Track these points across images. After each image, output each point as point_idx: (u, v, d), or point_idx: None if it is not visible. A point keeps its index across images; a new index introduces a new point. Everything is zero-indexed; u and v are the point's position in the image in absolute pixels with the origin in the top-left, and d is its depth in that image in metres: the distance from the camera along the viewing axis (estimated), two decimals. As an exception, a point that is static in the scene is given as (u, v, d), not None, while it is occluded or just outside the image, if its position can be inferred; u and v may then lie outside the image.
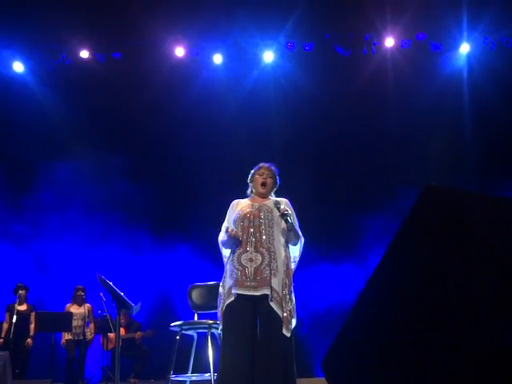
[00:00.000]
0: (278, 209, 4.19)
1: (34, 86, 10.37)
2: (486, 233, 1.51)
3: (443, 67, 10.08)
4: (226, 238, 4.23)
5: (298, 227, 4.36)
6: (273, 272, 4.06)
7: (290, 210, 4.36)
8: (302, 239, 4.38)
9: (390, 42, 9.93)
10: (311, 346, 8.87)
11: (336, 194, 9.92)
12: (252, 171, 4.58)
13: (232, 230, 4.15)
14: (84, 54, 10.16)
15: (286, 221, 4.15)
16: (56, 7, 9.27)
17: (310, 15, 9.59)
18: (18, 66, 10.26)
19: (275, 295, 4.00)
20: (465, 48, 9.95)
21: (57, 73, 10.34)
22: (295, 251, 4.38)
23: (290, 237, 4.30)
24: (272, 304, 3.98)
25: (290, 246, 4.35)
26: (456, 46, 9.98)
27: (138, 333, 9.09)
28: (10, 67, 10.23)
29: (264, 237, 4.14)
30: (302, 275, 4.44)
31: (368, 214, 9.39)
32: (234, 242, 4.18)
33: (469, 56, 10.05)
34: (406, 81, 9.99)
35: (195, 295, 5.87)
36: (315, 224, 8.72)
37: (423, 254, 1.58)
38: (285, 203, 4.40)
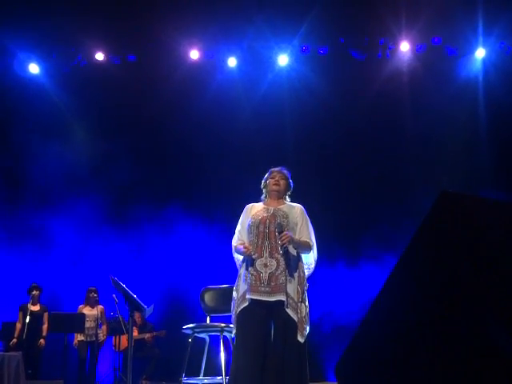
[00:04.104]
0: (280, 233, 4.12)
1: (50, 87, 10.43)
2: (501, 238, 1.50)
3: (459, 72, 10.01)
4: (240, 247, 4.22)
5: (311, 236, 4.34)
6: (288, 278, 4.05)
7: (302, 219, 4.34)
8: (315, 248, 4.36)
9: (405, 46, 9.88)
10: (324, 349, 8.85)
11: (350, 196, 9.89)
12: (264, 177, 4.59)
13: (246, 249, 4.14)
14: (99, 56, 10.20)
15: (285, 250, 4.09)
16: (72, 10, 9.34)
17: (324, 19, 9.57)
18: (34, 68, 10.32)
19: (291, 301, 4.00)
20: (480, 53, 9.88)
21: (72, 75, 10.39)
22: (308, 258, 4.36)
23: (297, 250, 4.27)
24: (288, 310, 3.98)
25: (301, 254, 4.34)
26: (472, 51, 9.91)
27: (148, 334, 9.09)
28: (26, 69, 10.30)
29: (279, 242, 4.12)
30: (316, 279, 4.42)
31: (383, 216, 9.36)
32: (247, 258, 4.17)
33: (484, 60, 9.98)
34: (421, 85, 9.94)
35: (208, 298, 5.87)
36: (329, 227, 8.70)
37: (438, 260, 1.58)
38: (300, 211, 4.39)
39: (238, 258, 4.38)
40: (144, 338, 9.11)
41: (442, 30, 9.80)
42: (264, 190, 4.57)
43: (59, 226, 10.00)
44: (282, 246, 4.07)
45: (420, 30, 9.72)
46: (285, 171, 4.57)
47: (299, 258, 4.25)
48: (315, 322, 8.52)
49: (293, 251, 4.19)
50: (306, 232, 4.32)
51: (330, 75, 10.13)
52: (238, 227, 4.44)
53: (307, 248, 4.29)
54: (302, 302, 4.07)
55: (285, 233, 4.08)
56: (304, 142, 10.04)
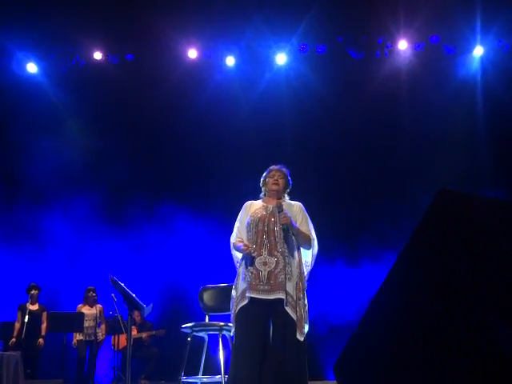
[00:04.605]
0: (279, 212, 4.14)
1: (48, 87, 10.42)
2: (498, 236, 1.50)
3: (457, 70, 10.02)
4: (239, 245, 4.22)
5: (312, 232, 4.33)
6: (288, 276, 4.04)
7: (301, 216, 4.34)
8: (316, 244, 4.35)
9: (403, 44, 9.89)
10: (323, 348, 8.85)
11: (348, 194, 9.89)
12: (263, 175, 4.58)
13: (246, 247, 4.13)
14: (97, 55, 10.21)
15: (285, 230, 4.12)
16: (70, 10, 9.33)
17: (322, 18, 9.57)
18: (32, 67, 10.32)
19: (290, 299, 3.99)
20: (478, 51, 9.89)
21: (70, 74, 10.38)
22: (307, 255, 4.35)
23: (297, 241, 4.26)
24: (287, 308, 3.96)
25: (301, 249, 4.32)
26: (470, 49, 9.92)
27: (145, 334, 9.08)
28: (24, 68, 10.29)
29: (278, 240, 4.12)
30: (315, 278, 4.41)
31: (382, 214, 9.36)
32: (247, 255, 4.16)
33: (482, 59, 9.99)
34: (419, 84, 9.94)
35: (206, 297, 5.87)
36: (328, 225, 8.69)
37: (437, 258, 1.58)
38: (299, 208, 4.38)
39: (237, 255, 4.37)
40: (142, 337, 9.10)
41: (440, 29, 9.81)
42: (263, 188, 4.57)
43: (57, 225, 9.99)
44: (281, 225, 4.09)
45: (418, 29, 9.73)
46: (284, 169, 4.55)
47: (299, 256, 4.24)
48: (314, 321, 8.53)
49: (293, 249, 4.18)
50: (306, 228, 4.31)
51: (328, 74, 10.13)
52: (237, 224, 4.42)
53: (307, 241, 4.27)
54: (301, 300, 4.06)
55: (284, 212, 4.11)
56: (302, 140, 10.04)
